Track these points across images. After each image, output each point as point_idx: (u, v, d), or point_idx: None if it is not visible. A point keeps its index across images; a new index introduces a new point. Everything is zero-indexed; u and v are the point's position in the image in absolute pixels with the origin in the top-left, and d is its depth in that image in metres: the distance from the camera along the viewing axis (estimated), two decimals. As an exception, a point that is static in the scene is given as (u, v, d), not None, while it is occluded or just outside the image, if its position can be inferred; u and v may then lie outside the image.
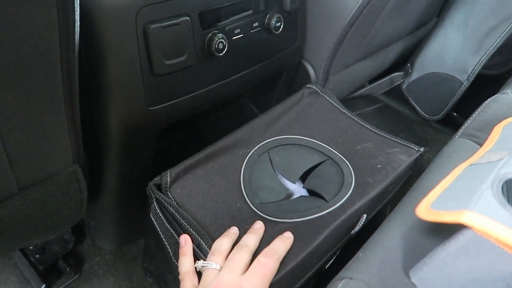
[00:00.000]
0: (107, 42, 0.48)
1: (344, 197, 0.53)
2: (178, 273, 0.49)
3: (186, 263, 0.47)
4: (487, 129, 0.58)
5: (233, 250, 0.46)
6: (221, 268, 0.44)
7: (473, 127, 0.60)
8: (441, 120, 1.07)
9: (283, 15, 0.67)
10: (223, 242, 0.46)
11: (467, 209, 0.32)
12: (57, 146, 0.48)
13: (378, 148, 0.61)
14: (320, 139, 0.61)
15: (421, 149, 0.61)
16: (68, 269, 0.85)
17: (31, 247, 0.83)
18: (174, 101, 0.58)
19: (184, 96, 0.59)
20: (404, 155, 0.60)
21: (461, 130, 0.61)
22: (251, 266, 0.44)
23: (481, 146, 0.55)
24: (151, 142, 0.62)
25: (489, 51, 0.89)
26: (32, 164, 0.47)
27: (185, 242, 0.48)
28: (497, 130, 0.54)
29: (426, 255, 0.37)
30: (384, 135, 0.63)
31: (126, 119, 0.54)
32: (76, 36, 0.42)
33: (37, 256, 0.83)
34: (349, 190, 0.54)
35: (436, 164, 0.55)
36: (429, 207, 0.36)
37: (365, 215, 0.54)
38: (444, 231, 0.37)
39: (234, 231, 0.48)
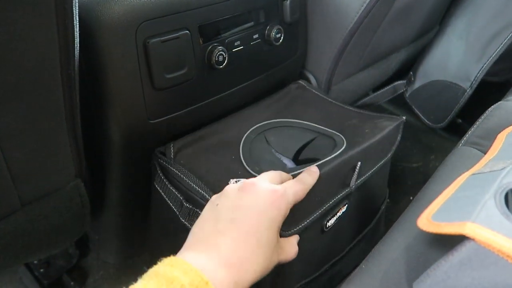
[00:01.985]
0: (108, 57, 0.49)
1: (337, 152, 0.57)
2: None
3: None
4: (491, 137, 0.57)
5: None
6: None
7: (476, 135, 0.60)
8: (447, 128, 1.06)
9: (284, 26, 0.68)
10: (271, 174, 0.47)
11: (469, 221, 0.31)
12: (59, 161, 0.48)
13: (364, 122, 0.65)
14: (311, 121, 0.65)
15: (403, 118, 0.66)
16: (72, 283, 0.85)
17: (35, 262, 0.83)
18: (175, 114, 0.58)
19: (185, 109, 0.59)
20: (388, 121, 0.64)
21: (464, 138, 0.60)
22: (285, 183, 0.45)
23: (485, 154, 0.54)
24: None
25: (491, 58, 0.89)
26: (35, 180, 0.47)
27: None
28: (501, 138, 0.54)
29: (429, 267, 0.36)
30: (369, 113, 0.68)
31: (127, 132, 0.55)
32: (76, 52, 0.42)
33: (42, 270, 0.83)
34: (341, 148, 0.58)
35: (440, 173, 0.54)
36: (430, 218, 0.35)
37: (359, 163, 0.55)
38: (448, 243, 0.36)
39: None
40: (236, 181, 0.47)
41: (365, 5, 0.68)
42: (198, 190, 0.50)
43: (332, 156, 0.55)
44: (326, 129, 0.63)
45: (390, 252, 0.43)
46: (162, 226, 0.59)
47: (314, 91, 0.73)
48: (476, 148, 0.57)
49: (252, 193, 0.40)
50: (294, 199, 0.44)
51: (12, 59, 0.37)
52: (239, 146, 0.58)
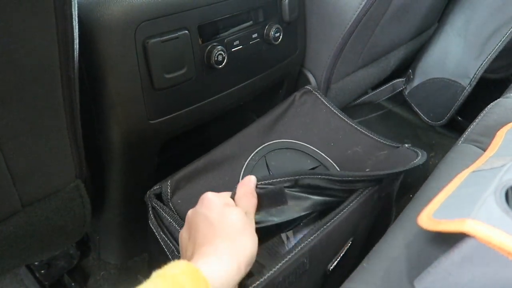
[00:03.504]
0: (107, 58, 0.49)
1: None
2: None
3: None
4: (490, 134, 0.57)
5: None
6: None
7: (476, 132, 0.60)
8: (446, 125, 1.07)
9: (283, 25, 0.68)
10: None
11: (469, 218, 0.32)
12: (60, 162, 0.48)
13: (367, 152, 0.63)
14: (313, 144, 0.63)
15: (406, 145, 0.62)
16: (73, 284, 0.85)
17: (36, 263, 0.83)
18: (175, 114, 0.58)
19: (185, 109, 0.59)
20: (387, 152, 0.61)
21: (464, 136, 0.61)
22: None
23: (484, 151, 0.54)
24: (153, 155, 0.62)
25: (490, 55, 0.89)
26: (35, 181, 0.47)
27: None
28: (500, 135, 0.54)
29: (430, 264, 0.36)
30: (373, 137, 0.65)
31: (128, 133, 0.55)
32: (75, 53, 0.42)
33: (43, 271, 0.83)
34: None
35: (440, 171, 0.54)
36: (431, 216, 0.36)
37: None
38: (448, 240, 0.37)
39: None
40: None
41: (363, 3, 0.68)
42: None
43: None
44: (327, 158, 0.61)
45: (391, 250, 0.43)
46: (157, 254, 0.58)
47: (320, 97, 0.70)
48: (476, 146, 0.57)
49: (206, 209, 0.43)
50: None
51: (12, 60, 0.37)
52: (240, 176, 0.57)
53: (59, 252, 0.84)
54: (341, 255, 0.53)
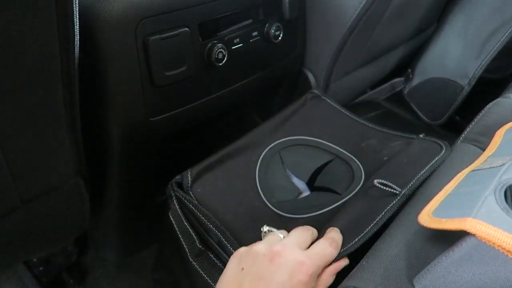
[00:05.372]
0: (107, 55, 0.48)
1: (355, 188, 0.54)
2: (195, 276, 0.50)
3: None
4: (489, 133, 0.57)
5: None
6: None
7: (475, 131, 0.60)
8: (444, 125, 1.06)
9: (283, 23, 0.68)
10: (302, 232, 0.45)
11: (470, 217, 0.32)
12: (59, 159, 0.48)
13: (382, 143, 0.62)
14: (327, 139, 0.63)
15: (421, 136, 0.63)
16: (71, 281, 0.85)
17: (34, 260, 0.83)
18: (175, 112, 0.58)
19: (185, 107, 0.59)
20: (404, 143, 0.62)
21: (463, 135, 0.61)
22: (315, 245, 0.43)
23: (483, 151, 0.55)
24: (152, 153, 0.62)
25: (489, 55, 0.89)
26: (35, 178, 0.47)
27: None
28: (499, 135, 0.54)
29: (430, 263, 0.36)
30: (385, 130, 0.66)
31: (127, 130, 0.55)
32: (76, 49, 0.42)
33: (41, 268, 0.83)
34: (359, 182, 0.55)
35: (439, 170, 0.54)
36: (431, 214, 0.36)
37: (376, 181, 0.52)
38: (448, 238, 0.37)
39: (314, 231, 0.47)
40: (268, 230, 0.46)
41: (364, 2, 0.68)
42: (215, 232, 0.48)
43: (352, 194, 0.53)
44: (343, 151, 0.60)
45: (390, 249, 0.43)
46: (171, 251, 0.58)
47: (329, 101, 0.71)
48: (475, 145, 0.57)
49: (279, 266, 0.39)
50: (322, 268, 0.43)
51: (12, 57, 0.37)
52: (255, 170, 0.57)
53: (58, 249, 0.84)
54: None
